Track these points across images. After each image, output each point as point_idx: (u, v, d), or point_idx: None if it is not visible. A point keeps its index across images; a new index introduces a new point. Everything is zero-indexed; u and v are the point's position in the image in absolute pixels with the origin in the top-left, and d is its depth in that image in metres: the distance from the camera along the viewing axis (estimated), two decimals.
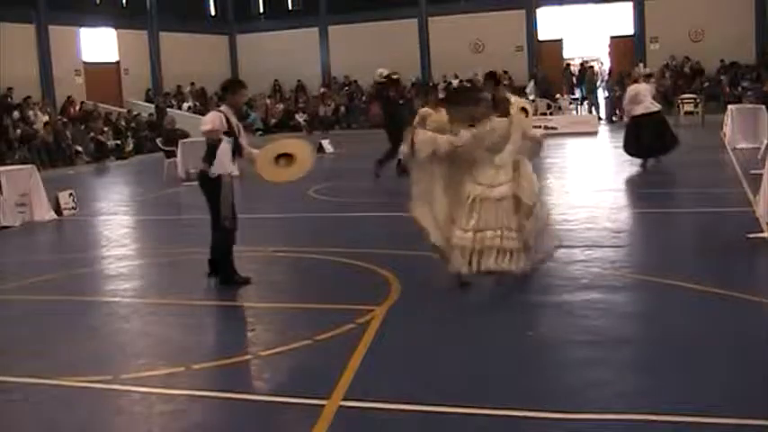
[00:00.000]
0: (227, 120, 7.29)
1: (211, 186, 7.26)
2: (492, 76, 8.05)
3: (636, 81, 15.13)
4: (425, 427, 4.33)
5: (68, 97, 27.36)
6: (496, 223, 6.72)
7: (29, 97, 25.31)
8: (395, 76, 16.29)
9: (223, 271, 7.47)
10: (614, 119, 25.96)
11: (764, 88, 25.48)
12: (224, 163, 7.22)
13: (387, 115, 15.76)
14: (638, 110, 14.39)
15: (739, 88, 26.41)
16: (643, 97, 14.40)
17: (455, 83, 17.73)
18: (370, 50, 33.19)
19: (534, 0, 32.27)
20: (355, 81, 34.31)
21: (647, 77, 15.55)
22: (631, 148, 14.63)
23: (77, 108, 27.18)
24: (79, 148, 23.81)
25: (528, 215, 6.77)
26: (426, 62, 33.98)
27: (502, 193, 6.76)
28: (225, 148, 7.20)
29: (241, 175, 7.65)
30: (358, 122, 32.40)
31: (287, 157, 7.45)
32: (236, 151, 7.48)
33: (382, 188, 14.36)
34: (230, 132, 7.29)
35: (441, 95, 11.75)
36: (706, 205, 10.68)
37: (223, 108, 7.42)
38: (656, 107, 14.59)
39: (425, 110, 12.56)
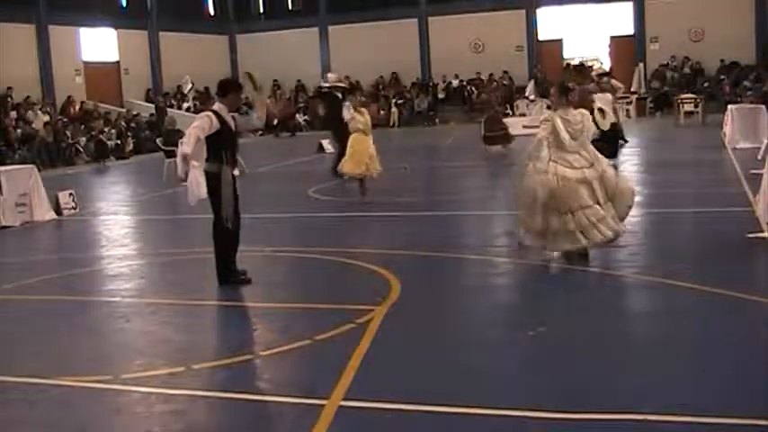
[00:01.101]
0: (221, 117, 7.30)
1: (211, 185, 7.26)
2: (581, 71, 8.77)
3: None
4: (426, 427, 4.32)
5: (68, 97, 27.37)
6: (593, 199, 7.51)
7: (28, 97, 25.33)
8: (341, 84, 16.62)
9: (223, 271, 7.48)
10: None
11: (765, 88, 25.50)
12: (195, 193, 7.16)
13: (332, 116, 16.04)
14: None
15: (742, 87, 26.42)
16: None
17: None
18: (370, 50, 33.22)
19: (534, 0, 32.28)
20: (357, 81, 34.29)
21: (602, 76, 16.21)
22: None
23: (77, 108, 27.19)
24: (80, 148, 23.84)
25: (618, 194, 7.66)
26: (426, 62, 33.99)
27: (593, 174, 7.54)
28: (194, 175, 7.14)
29: (241, 175, 7.64)
30: None
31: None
32: (235, 148, 7.50)
33: (382, 188, 14.35)
34: (227, 129, 7.33)
35: (364, 97, 12.36)
36: (706, 205, 10.67)
37: (216, 107, 7.43)
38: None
39: (351, 113, 12.82)
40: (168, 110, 28.43)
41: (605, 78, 17.55)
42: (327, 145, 22.36)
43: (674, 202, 11.10)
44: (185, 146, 7.10)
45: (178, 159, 7.22)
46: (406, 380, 4.93)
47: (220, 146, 7.27)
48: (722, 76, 28.84)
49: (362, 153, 12.06)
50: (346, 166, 12.20)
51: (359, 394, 4.67)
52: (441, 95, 33.22)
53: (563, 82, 7.74)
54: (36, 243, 11.38)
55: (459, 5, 32.79)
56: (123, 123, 26.89)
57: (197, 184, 7.13)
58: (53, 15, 27.31)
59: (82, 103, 27.50)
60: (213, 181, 7.23)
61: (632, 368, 5.07)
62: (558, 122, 7.50)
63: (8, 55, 25.04)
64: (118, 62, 30.73)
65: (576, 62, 12.25)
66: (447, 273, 7.96)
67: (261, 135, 28.89)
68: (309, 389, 4.79)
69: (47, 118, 24.57)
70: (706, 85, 28.70)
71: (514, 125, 20.39)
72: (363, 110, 12.57)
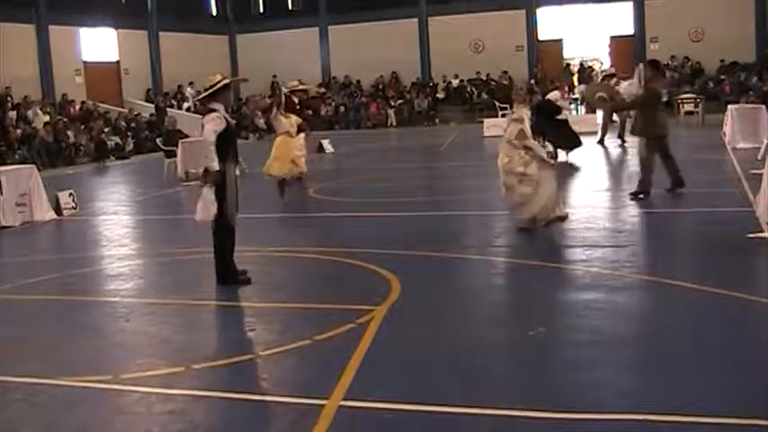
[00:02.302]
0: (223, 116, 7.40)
1: (216, 183, 7.27)
2: (656, 65, 10.62)
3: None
4: (425, 427, 4.32)
5: (64, 95, 27.32)
6: None
7: (26, 97, 25.32)
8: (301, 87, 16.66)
9: (223, 271, 7.48)
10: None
11: (765, 88, 25.51)
12: (204, 215, 7.28)
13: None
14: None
15: (742, 87, 26.38)
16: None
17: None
18: (370, 50, 33.23)
19: (534, 0, 32.29)
20: (358, 81, 34.32)
21: (608, 77, 17.50)
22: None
23: (77, 108, 27.19)
24: (80, 148, 23.84)
25: None
26: (426, 62, 34.01)
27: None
28: (205, 199, 7.22)
29: (241, 175, 7.65)
30: (357, 122, 32.47)
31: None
32: (235, 145, 7.54)
33: (381, 188, 14.38)
34: (230, 127, 7.41)
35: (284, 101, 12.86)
36: (706, 205, 10.67)
37: (216, 106, 7.46)
38: (563, 115, 16.64)
39: (278, 117, 13.19)
40: (168, 110, 28.42)
41: (613, 79, 17.76)
42: (327, 145, 22.43)
43: (675, 202, 11.09)
44: (213, 162, 7.16)
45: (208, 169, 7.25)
46: (406, 380, 4.94)
47: (225, 144, 7.31)
48: (722, 76, 28.84)
49: (287, 155, 12.73)
50: (272, 167, 12.82)
51: (359, 394, 4.67)
52: (441, 95, 33.23)
53: (532, 84, 9.01)
54: (36, 243, 11.37)
55: (459, 5, 32.80)
56: (123, 123, 26.89)
57: (207, 205, 7.20)
58: (53, 15, 27.31)
59: (82, 103, 27.49)
60: (218, 179, 7.24)
61: (632, 368, 5.07)
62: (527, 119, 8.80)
63: (8, 55, 25.05)
64: (118, 62, 30.73)
65: (650, 59, 13.11)
66: (447, 273, 7.96)
67: (259, 138, 28.90)
68: (309, 389, 4.79)
69: (47, 118, 24.57)
70: (706, 85, 28.69)
71: None
72: (290, 114, 12.97)
